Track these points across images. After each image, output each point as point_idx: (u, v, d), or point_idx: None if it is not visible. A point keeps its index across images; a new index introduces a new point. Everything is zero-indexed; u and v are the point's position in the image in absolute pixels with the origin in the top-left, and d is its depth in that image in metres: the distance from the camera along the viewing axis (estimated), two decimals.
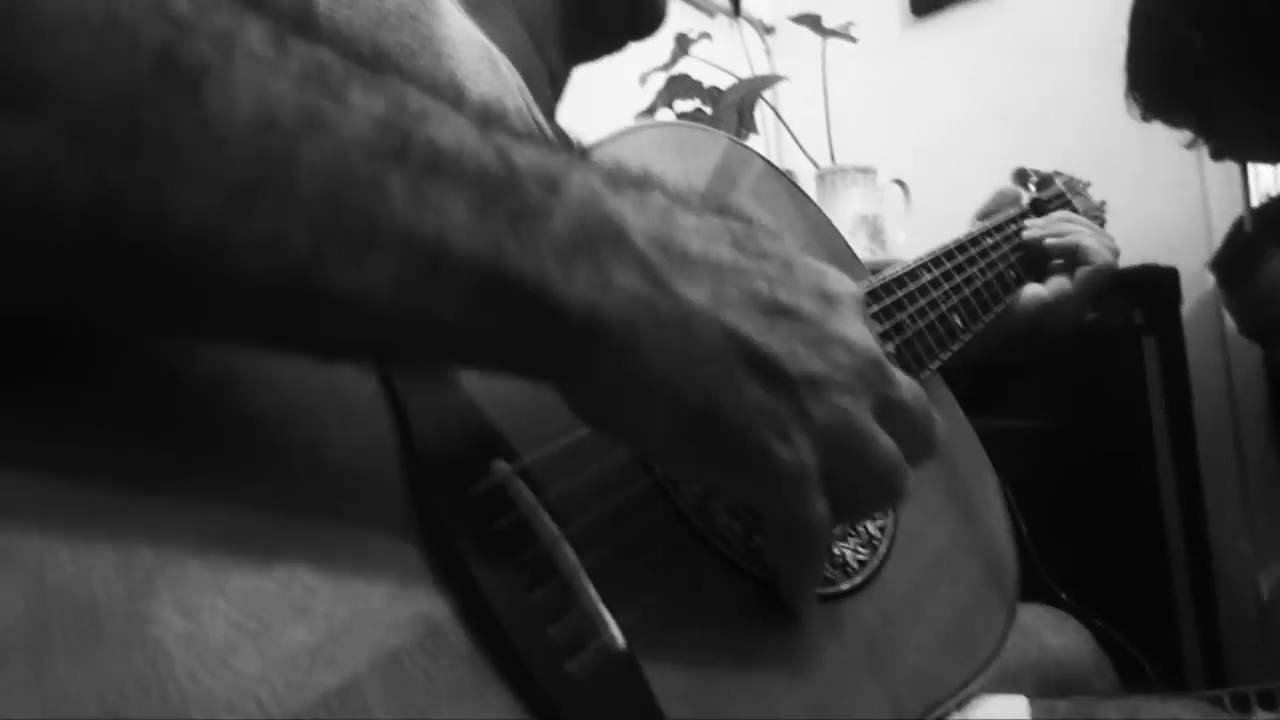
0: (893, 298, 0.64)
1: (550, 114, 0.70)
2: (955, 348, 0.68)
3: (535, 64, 0.67)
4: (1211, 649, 1.46)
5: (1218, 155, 1.50)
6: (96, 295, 0.26)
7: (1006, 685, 0.76)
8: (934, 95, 2.01)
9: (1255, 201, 1.73)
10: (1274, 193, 1.71)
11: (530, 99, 0.60)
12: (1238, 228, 1.50)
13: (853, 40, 1.54)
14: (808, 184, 1.64)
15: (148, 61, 0.24)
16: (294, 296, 0.27)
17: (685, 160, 0.60)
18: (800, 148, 1.66)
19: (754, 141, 1.71)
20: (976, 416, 0.81)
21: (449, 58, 0.52)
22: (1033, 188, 0.98)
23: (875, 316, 0.61)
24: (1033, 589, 0.93)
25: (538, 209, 0.31)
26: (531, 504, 0.36)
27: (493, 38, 0.60)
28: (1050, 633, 0.79)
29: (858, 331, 0.39)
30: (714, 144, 0.63)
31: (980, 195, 1.93)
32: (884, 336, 0.61)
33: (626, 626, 0.35)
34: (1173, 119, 1.49)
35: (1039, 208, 0.95)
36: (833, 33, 1.52)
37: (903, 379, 0.40)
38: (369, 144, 0.28)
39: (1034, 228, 0.87)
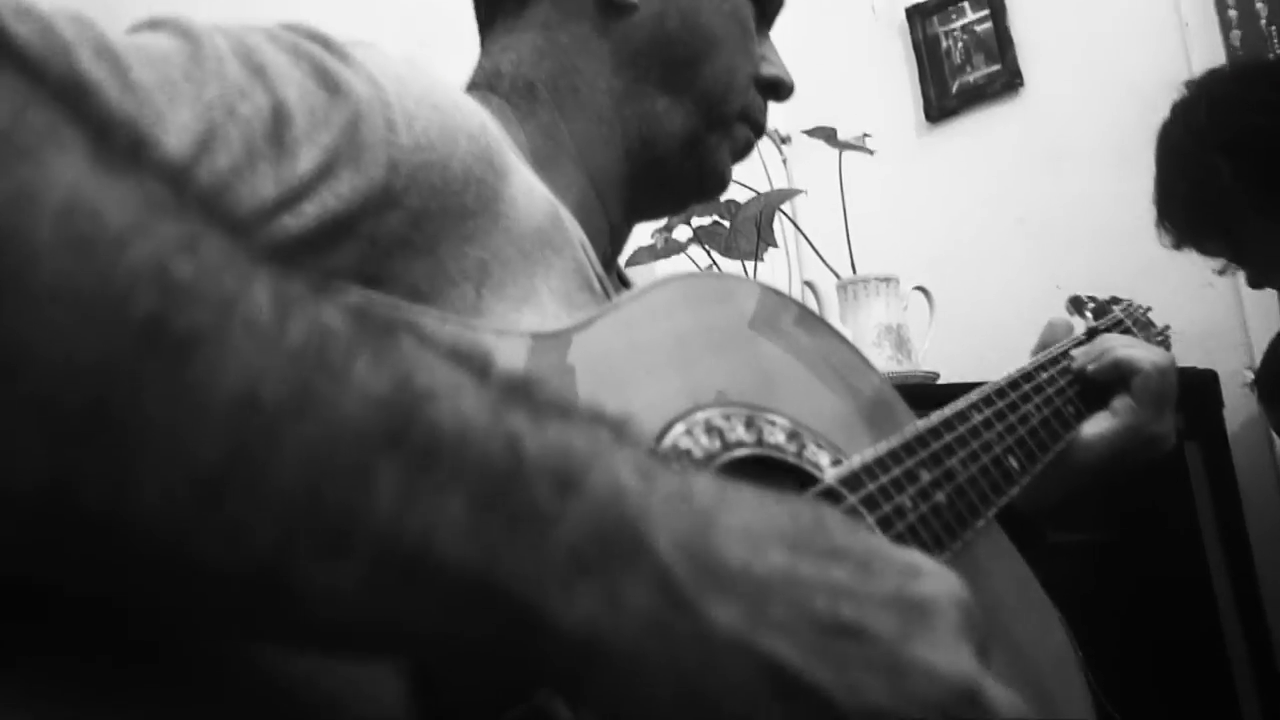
0: (940, 442, 0.60)
1: (609, 265, 0.72)
2: (1013, 492, 0.64)
3: (598, 220, 0.68)
4: None
5: (1255, 283, 1.46)
6: (53, 566, 0.25)
7: None
8: (953, 201, 2.00)
9: None
10: None
11: (592, 254, 0.61)
12: (1277, 342, 1.46)
13: (869, 152, 1.54)
14: (829, 295, 1.62)
15: (133, 334, 0.23)
16: (257, 588, 0.25)
17: (718, 310, 0.58)
18: (821, 258, 1.64)
19: (773, 254, 1.69)
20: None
21: (506, 217, 0.53)
22: (1089, 315, 0.94)
23: (923, 463, 0.57)
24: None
25: (544, 514, 0.28)
26: None
27: (559, 193, 0.61)
28: None
29: (948, 655, 0.32)
30: (748, 292, 0.60)
31: (1004, 301, 1.92)
32: (933, 485, 0.57)
33: None
34: (1205, 247, 1.47)
35: (1094, 337, 0.91)
36: (848, 145, 1.52)
37: (1003, 699, 0.33)
38: (362, 429, 0.26)
39: (1080, 355, 0.82)
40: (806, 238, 1.65)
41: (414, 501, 0.26)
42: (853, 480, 0.52)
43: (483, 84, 0.69)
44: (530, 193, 0.57)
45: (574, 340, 0.49)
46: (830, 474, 0.52)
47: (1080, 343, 0.85)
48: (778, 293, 0.66)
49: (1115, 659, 1.37)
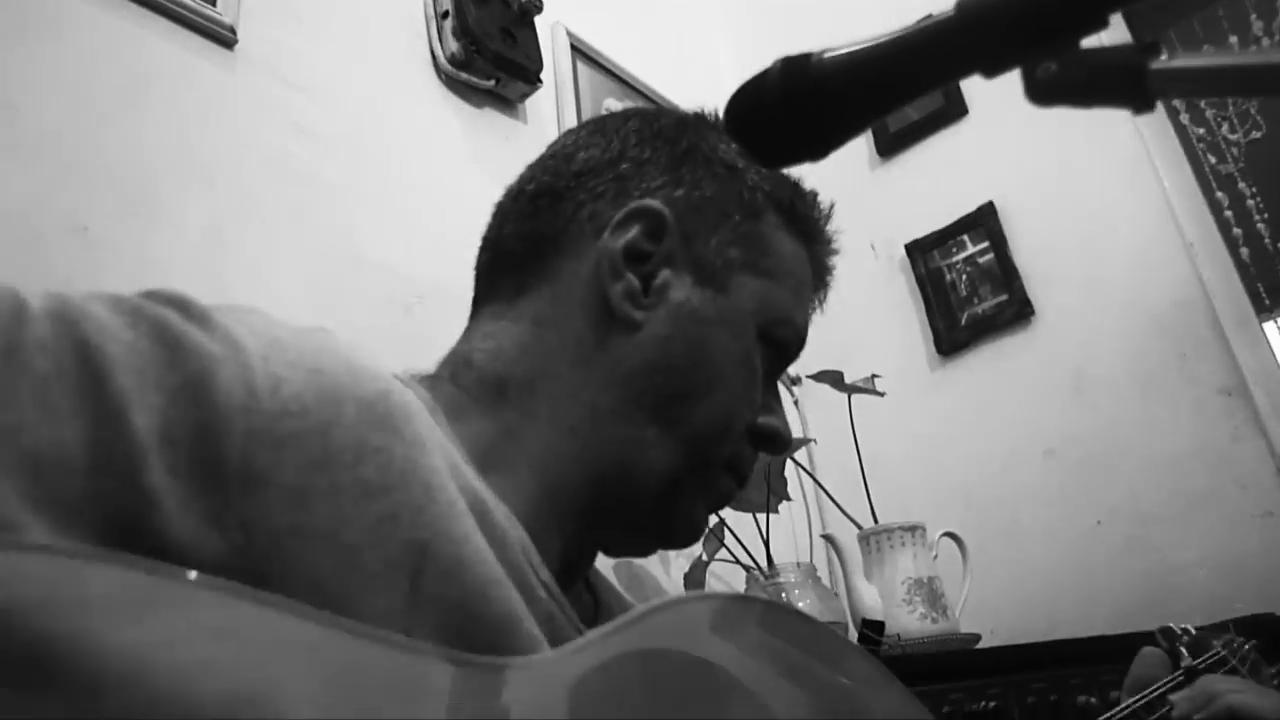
0: None
1: (572, 577, 0.64)
2: None
3: (550, 532, 0.59)
4: None
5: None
6: None
7: None
8: (976, 436, 1.91)
9: None
10: None
11: (535, 558, 0.54)
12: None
13: (879, 394, 1.47)
14: (851, 548, 1.50)
15: None
16: None
17: (730, 641, 0.48)
18: (839, 508, 1.54)
19: (786, 507, 1.59)
20: None
21: (443, 490, 0.47)
22: (1184, 650, 0.81)
23: None
24: None
25: None
26: None
27: (503, 497, 0.54)
28: None
29: None
30: (749, 611, 0.50)
31: (1044, 541, 1.78)
32: None
33: None
34: None
35: (1193, 677, 0.78)
36: (856, 388, 1.45)
37: None
38: None
39: (1182, 701, 0.69)
40: (823, 487, 1.55)
41: None
42: None
43: (444, 372, 0.62)
44: (461, 487, 0.50)
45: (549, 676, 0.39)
46: None
47: (1179, 684, 0.73)
48: (803, 616, 0.55)
49: None
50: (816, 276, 0.71)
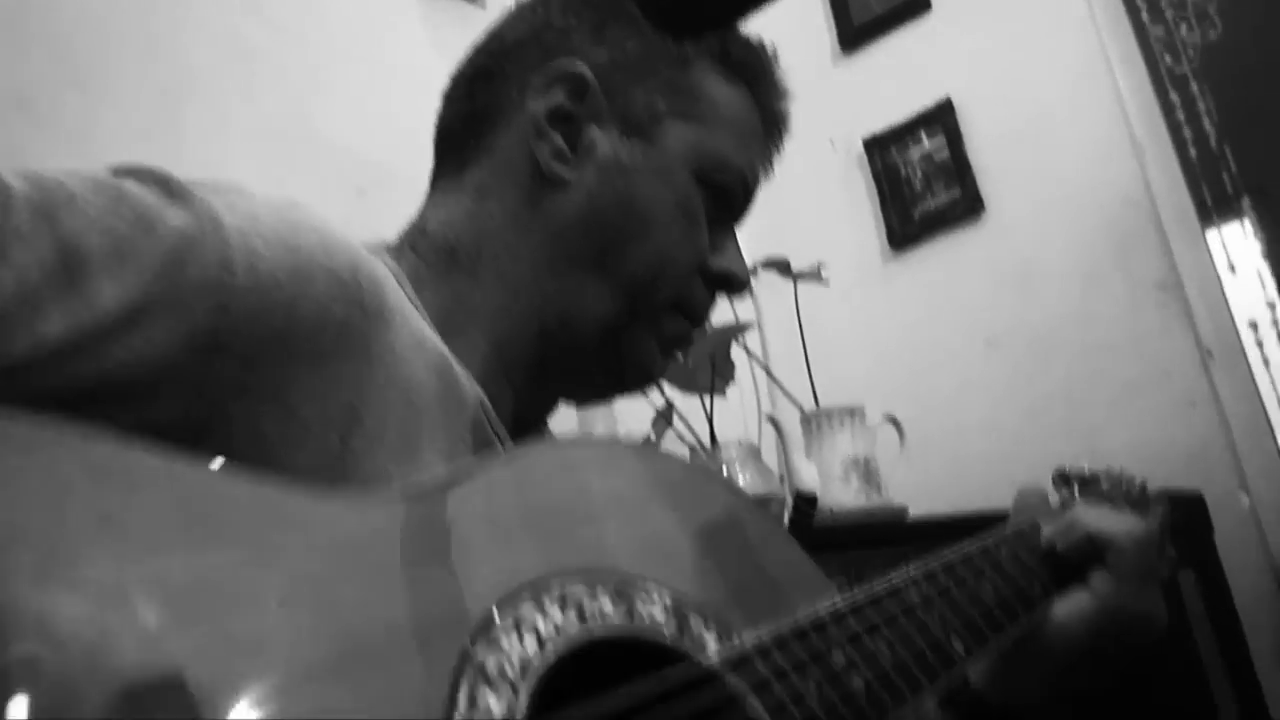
0: (864, 621, 0.53)
1: (525, 428, 0.68)
2: (955, 675, 0.56)
3: (503, 388, 0.65)
4: None
5: None
6: None
7: None
8: (920, 327, 1.97)
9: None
10: None
11: (493, 415, 0.60)
12: None
13: (824, 282, 1.51)
14: (794, 430, 1.56)
15: None
16: None
17: (599, 477, 0.51)
18: (784, 391, 1.59)
19: (736, 393, 1.64)
20: None
21: (382, 364, 0.51)
22: (1076, 489, 0.83)
23: (837, 643, 0.50)
24: None
25: None
26: None
27: (461, 358, 0.59)
28: None
29: None
30: (636, 459, 0.54)
31: (978, 428, 1.85)
32: (848, 668, 0.49)
33: None
34: None
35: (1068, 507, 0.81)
36: (803, 276, 1.49)
37: None
38: None
39: (1048, 532, 0.72)
40: (768, 371, 1.60)
41: None
42: (740, 661, 0.45)
43: (406, 241, 0.66)
44: (419, 346, 0.55)
45: (428, 500, 0.43)
46: (713, 652, 0.45)
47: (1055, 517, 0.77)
48: (673, 458, 0.59)
49: None
50: (767, 122, 0.71)
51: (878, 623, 0.54)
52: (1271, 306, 1.84)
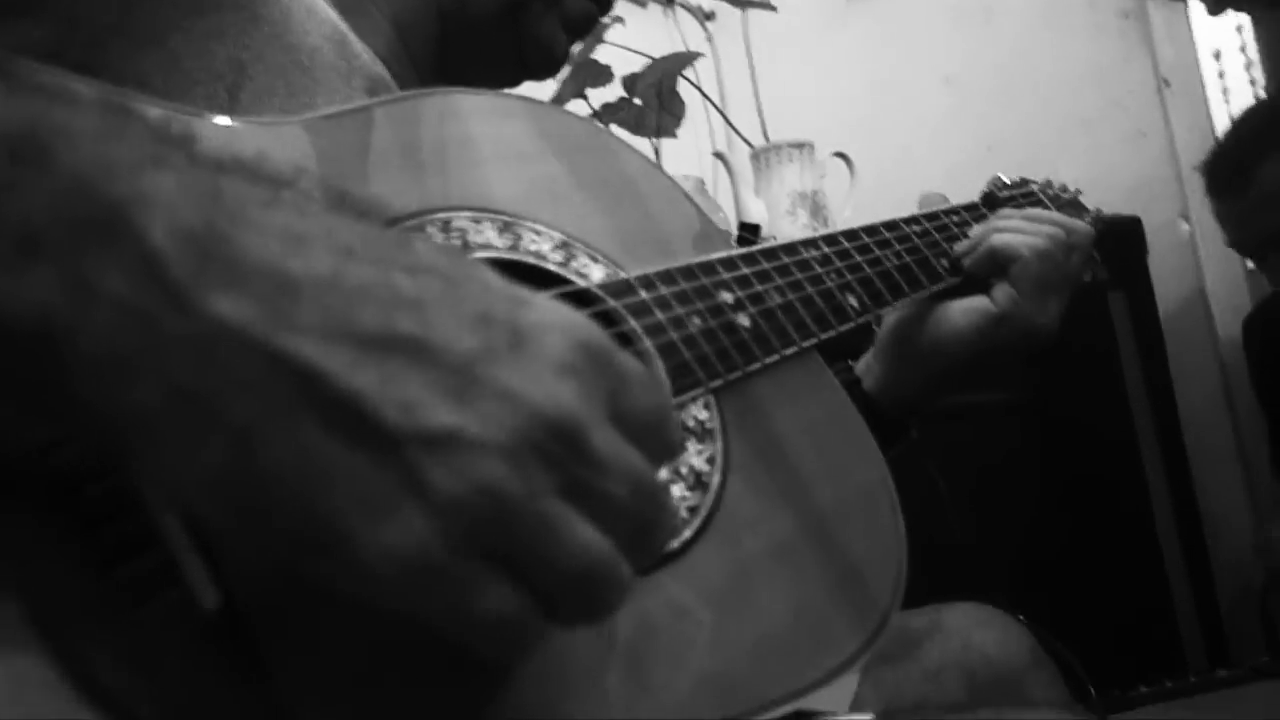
0: (755, 268, 0.55)
1: None
2: (845, 328, 0.59)
3: (407, 70, 0.64)
4: (1210, 622, 1.36)
5: (1215, 7, 1.39)
6: None
7: (928, 684, 0.67)
8: (877, 63, 1.92)
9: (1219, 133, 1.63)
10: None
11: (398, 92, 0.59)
12: (1234, 129, 1.38)
13: (772, 9, 1.46)
14: (744, 166, 1.55)
15: None
16: None
17: (503, 124, 0.52)
18: (732, 127, 1.58)
19: (686, 133, 1.62)
20: None
21: (271, 22, 0.50)
22: (1006, 195, 0.82)
23: (726, 284, 0.52)
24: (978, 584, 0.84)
25: None
26: None
27: (362, 36, 0.58)
28: (979, 629, 0.69)
29: (540, 384, 0.28)
30: (541, 114, 0.55)
31: (932, 165, 1.85)
32: (734, 306, 0.52)
33: None
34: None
35: (992, 203, 0.79)
36: (750, 3, 1.45)
37: (615, 454, 0.29)
38: None
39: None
40: (717, 106, 1.58)
41: None
42: (620, 287, 0.47)
43: None
44: (310, 13, 0.54)
45: (310, 128, 0.44)
46: (595, 278, 0.47)
47: (976, 209, 0.77)
48: (575, 116, 0.60)
49: (1038, 514, 1.36)
50: None
51: (769, 270, 0.56)
52: (1239, 30, 1.79)
